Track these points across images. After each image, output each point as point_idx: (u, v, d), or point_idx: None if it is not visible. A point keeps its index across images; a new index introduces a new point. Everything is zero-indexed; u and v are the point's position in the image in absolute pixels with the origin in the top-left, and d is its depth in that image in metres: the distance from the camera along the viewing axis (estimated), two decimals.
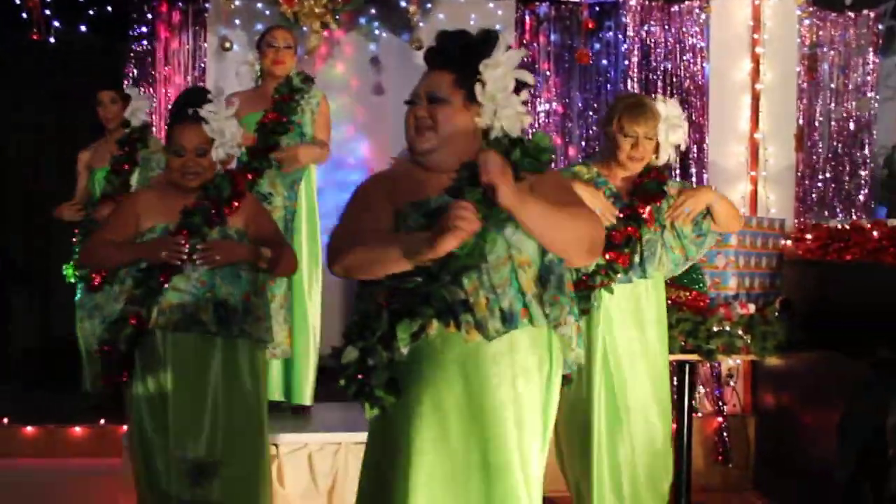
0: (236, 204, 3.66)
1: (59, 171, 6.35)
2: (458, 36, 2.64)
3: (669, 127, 3.93)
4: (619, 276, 3.90)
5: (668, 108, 3.95)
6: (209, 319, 3.51)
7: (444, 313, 2.51)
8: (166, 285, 3.51)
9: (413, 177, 2.66)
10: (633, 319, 3.97)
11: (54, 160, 6.72)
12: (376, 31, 6.67)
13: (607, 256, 3.85)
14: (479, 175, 2.37)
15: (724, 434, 5.60)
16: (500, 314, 2.53)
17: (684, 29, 6.42)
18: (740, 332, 4.61)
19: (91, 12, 6.44)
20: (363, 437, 2.79)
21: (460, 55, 2.60)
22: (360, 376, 2.53)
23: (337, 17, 6.03)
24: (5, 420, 5.21)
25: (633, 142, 3.90)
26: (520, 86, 2.58)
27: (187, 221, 3.56)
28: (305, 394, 5.06)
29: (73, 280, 5.66)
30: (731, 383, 5.60)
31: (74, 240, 5.73)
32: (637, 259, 3.94)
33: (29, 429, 5.18)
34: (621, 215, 3.90)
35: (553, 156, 2.60)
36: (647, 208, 3.93)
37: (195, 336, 3.52)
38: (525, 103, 2.59)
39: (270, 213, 4.26)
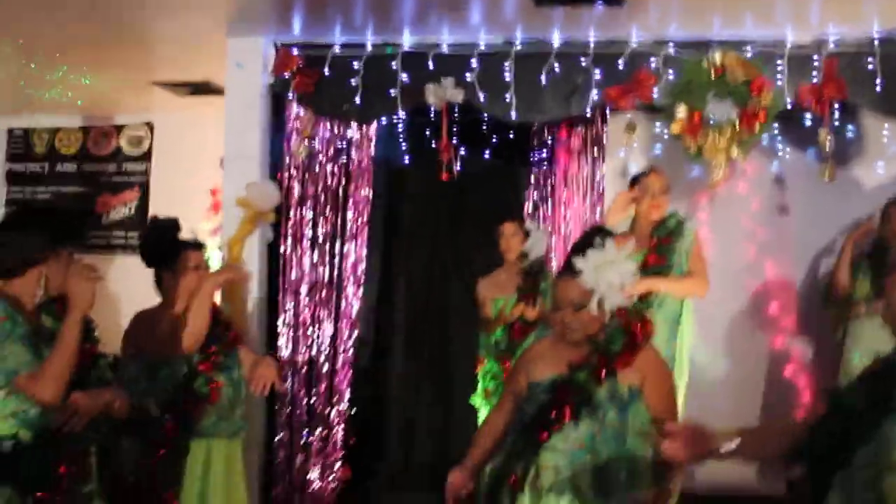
0: (630, 357, 3.39)
1: (457, 293, 6.66)
2: None
3: None
4: None
5: None
6: (586, 486, 3.28)
7: None
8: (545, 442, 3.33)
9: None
10: None
11: (452, 284, 6.87)
12: (779, 150, 6.32)
13: None
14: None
15: None
16: None
17: None
18: None
19: (494, 139, 6.69)
20: None
21: None
22: None
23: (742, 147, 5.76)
24: None
25: None
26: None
27: (572, 377, 3.39)
28: None
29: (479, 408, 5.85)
30: None
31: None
32: None
33: None
34: None
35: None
36: None
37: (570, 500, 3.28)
38: None
39: None
